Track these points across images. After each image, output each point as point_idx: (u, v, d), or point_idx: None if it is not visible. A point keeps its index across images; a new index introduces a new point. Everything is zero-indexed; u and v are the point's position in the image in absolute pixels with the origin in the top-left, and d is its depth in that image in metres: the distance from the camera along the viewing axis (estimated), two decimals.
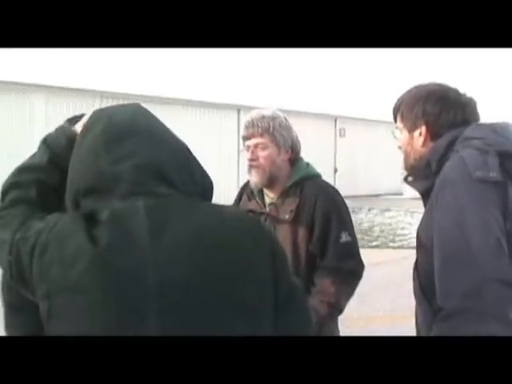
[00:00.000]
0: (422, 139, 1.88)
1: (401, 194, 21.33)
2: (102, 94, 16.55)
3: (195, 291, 1.22)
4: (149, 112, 1.44)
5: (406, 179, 1.94)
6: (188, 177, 1.37)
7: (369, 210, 18.21)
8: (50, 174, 1.48)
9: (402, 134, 1.95)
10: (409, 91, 1.96)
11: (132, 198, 1.28)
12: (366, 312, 6.80)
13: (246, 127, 2.56)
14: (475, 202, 1.62)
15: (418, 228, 1.83)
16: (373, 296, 7.47)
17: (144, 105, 1.49)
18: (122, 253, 1.22)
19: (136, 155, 1.32)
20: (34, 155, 1.54)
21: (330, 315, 2.48)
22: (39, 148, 1.53)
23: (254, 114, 2.58)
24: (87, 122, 1.43)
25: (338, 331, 2.60)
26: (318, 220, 2.50)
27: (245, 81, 20.58)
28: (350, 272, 2.51)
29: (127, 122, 1.38)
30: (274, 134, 2.52)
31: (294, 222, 2.51)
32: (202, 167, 1.43)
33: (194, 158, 1.42)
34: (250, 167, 2.56)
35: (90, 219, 1.27)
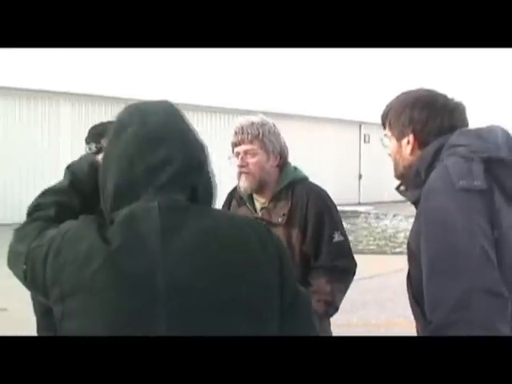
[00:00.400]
0: (410, 147, 1.85)
1: None
2: (127, 101, 16.69)
3: (203, 293, 1.24)
4: (178, 112, 1.44)
5: (397, 189, 1.92)
6: (203, 188, 1.40)
7: (393, 216, 18.07)
8: (70, 197, 1.55)
9: (391, 142, 1.92)
10: (397, 98, 1.93)
11: (149, 201, 1.30)
12: (388, 318, 6.76)
13: (236, 133, 2.58)
14: (459, 212, 1.59)
15: (409, 238, 1.80)
16: (395, 302, 7.42)
17: None
18: (133, 255, 1.24)
19: (168, 163, 1.34)
20: (58, 181, 1.61)
21: (326, 313, 2.53)
22: (64, 174, 1.61)
23: (243, 120, 2.61)
24: (120, 117, 1.44)
25: (331, 331, 2.64)
26: (311, 221, 2.54)
27: (269, 86, 20.61)
28: (343, 270, 2.57)
29: (160, 125, 1.38)
30: (263, 141, 2.55)
31: (288, 224, 2.55)
32: (211, 179, 1.44)
33: (211, 171, 1.44)
34: (240, 173, 2.59)
35: (104, 222, 1.30)
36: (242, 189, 2.61)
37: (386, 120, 1.92)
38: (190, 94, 17.68)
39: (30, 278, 1.37)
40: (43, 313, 2.02)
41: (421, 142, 1.83)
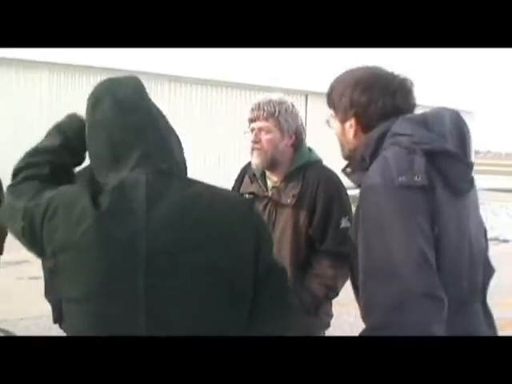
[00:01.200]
0: (352, 131, 1.76)
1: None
2: (171, 78, 17.05)
3: (181, 258, 1.37)
4: (144, 87, 1.57)
5: (344, 170, 1.80)
6: (181, 158, 1.55)
7: None
8: (61, 157, 1.61)
9: (335, 124, 1.82)
10: (340, 76, 1.82)
11: (137, 171, 1.43)
12: None
13: (253, 110, 2.61)
14: (398, 211, 1.50)
15: (350, 226, 1.72)
16: None
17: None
18: (119, 218, 1.38)
19: (144, 134, 1.47)
20: (44, 140, 1.67)
21: (327, 297, 2.60)
22: (49, 133, 1.67)
23: (261, 97, 2.65)
24: (93, 94, 1.55)
25: (332, 313, 2.73)
26: (320, 204, 2.55)
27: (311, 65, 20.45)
28: (348, 256, 2.50)
29: (130, 96, 1.52)
30: (278, 119, 2.57)
31: (296, 206, 2.56)
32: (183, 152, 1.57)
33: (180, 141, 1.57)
34: (253, 149, 2.62)
35: (97, 188, 1.43)
36: (253, 165, 2.64)
37: (330, 100, 1.83)
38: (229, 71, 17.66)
39: (28, 234, 1.48)
40: (51, 273, 2.07)
41: (364, 126, 1.74)
